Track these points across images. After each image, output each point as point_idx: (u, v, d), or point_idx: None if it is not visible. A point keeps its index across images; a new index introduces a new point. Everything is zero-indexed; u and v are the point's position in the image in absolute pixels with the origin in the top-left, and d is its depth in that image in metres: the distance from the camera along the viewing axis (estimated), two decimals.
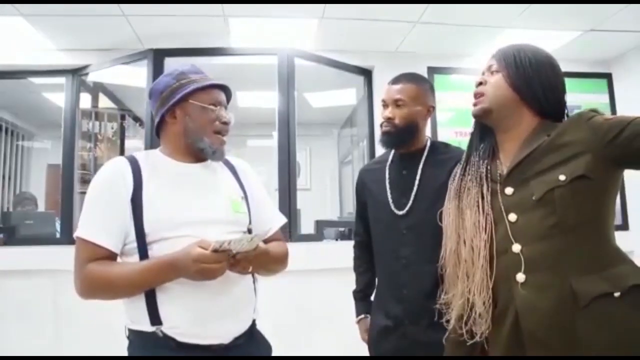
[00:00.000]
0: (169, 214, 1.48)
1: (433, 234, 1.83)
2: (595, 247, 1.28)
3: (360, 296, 2.16)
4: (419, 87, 1.99)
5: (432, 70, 4.46)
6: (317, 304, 3.44)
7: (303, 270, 3.17)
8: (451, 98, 4.52)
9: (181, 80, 1.59)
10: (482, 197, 1.42)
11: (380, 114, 2.04)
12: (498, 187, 1.40)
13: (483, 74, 1.51)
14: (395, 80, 2.00)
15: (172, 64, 3.90)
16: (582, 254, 1.27)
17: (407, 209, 1.92)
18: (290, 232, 3.73)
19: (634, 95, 4.42)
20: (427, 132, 2.11)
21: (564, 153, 1.30)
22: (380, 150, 2.09)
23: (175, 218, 1.47)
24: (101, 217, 1.48)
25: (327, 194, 6.86)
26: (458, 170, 1.57)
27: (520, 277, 1.30)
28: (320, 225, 4.00)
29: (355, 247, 2.24)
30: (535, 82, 1.40)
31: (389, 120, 1.95)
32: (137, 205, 1.47)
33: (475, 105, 1.51)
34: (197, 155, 1.61)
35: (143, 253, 1.46)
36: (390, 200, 1.96)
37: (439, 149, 2.01)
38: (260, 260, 1.51)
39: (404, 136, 1.95)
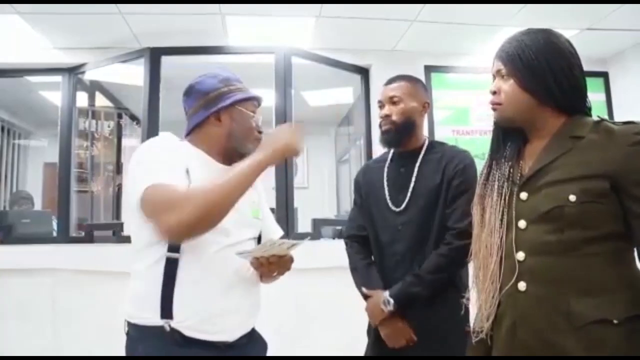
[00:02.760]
0: None
1: (428, 231, 1.90)
2: (602, 269, 1.22)
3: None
4: (412, 84, 2.05)
5: (429, 68, 4.47)
6: (314, 303, 3.44)
7: (300, 269, 3.16)
8: (448, 96, 4.54)
9: (229, 86, 1.65)
10: (501, 199, 1.38)
11: (377, 113, 2.08)
12: (516, 189, 1.36)
13: (493, 77, 1.44)
14: (389, 81, 2.07)
15: (169, 63, 3.93)
16: (586, 275, 1.22)
17: (403, 205, 1.95)
18: (287, 230, 3.74)
19: (630, 94, 4.43)
20: (425, 131, 2.13)
21: (584, 168, 1.24)
22: (377, 148, 2.10)
23: None
24: (170, 168, 1.43)
25: (324, 192, 6.86)
26: (482, 174, 1.51)
27: (522, 285, 1.29)
28: (318, 223, 4.01)
29: (355, 243, 2.14)
30: (547, 78, 1.33)
31: (386, 117, 2.00)
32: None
33: (494, 111, 1.44)
34: (233, 157, 1.65)
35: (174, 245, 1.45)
36: (388, 197, 2.00)
37: (435, 147, 2.05)
38: (286, 266, 1.59)
39: (403, 133, 1.99)
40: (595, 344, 1.18)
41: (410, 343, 1.86)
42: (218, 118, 1.62)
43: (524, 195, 1.33)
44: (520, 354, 1.28)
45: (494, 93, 1.41)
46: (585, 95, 1.39)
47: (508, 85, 1.38)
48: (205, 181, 1.42)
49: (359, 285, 2.04)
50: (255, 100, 1.70)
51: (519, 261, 1.30)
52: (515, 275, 1.29)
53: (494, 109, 1.42)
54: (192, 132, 1.66)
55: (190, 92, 1.67)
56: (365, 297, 1.98)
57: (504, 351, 1.33)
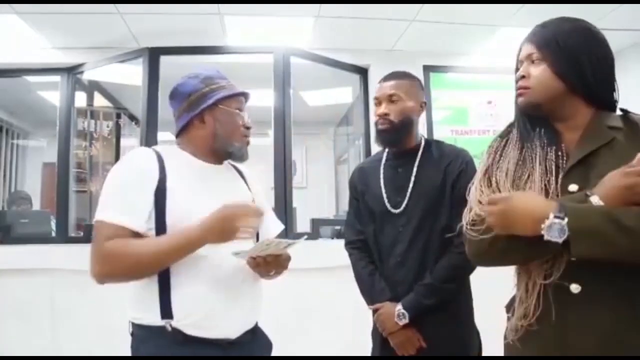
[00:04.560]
0: (190, 207, 1.49)
1: (430, 232, 1.89)
2: None
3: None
4: (411, 82, 2.02)
5: (427, 68, 4.47)
6: (313, 303, 3.44)
7: (299, 268, 3.16)
8: (447, 96, 4.54)
9: (211, 85, 1.63)
10: (546, 188, 1.24)
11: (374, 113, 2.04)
12: (560, 179, 1.23)
13: (521, 62, 1.36)
14: (387, 78, 2.02)
15: (167, 63, 3.93)
16: None
17: (403, 207, 1.93)
18: (286, 230, 3.73)
19: (629, 93, 4.42)
20: (423, 130, 2.11)
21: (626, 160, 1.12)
22: (375, 148, 2.09)
23: (196, 212, 1.48)
24: (126, 199, 1.46)
25: (323, 192, 6.86)
26: (510, 156, 1.35)
27: (575, 287, 1.16)
28: (316, 223, 4.00)
29: (355, 249, 2.09)
30: (584, 65, 1.27)
31: (384, 116, 1.95)
32: (161, 196, 1.47)
33: (520, 96, 1.35)
34: (221, 157, 1.67)
35: None
36: (386, 199, 1.97)
37: (434, 147, 2.02)
38: (283, 265, 1.59)
39: (400, 133, 1.96)
40: None
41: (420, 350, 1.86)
42: (201, 120, 1.62)
43: (573, 187, 1.20)
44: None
45: (522, 77, 1.34)
46: (615, 92, 1.35)
47: (539, 70, 1.31)
48: (185, 187, 1.52)
49: (363, 294, 2.03)
50: (241, 96, 1.68)
51: (571, 261, 1.14)
52: (567, 276, 1.17)
53: (520, 94, 1.34)
54: (180, 134, 1.67)
55: (174, 95, 1.67)
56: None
57: (547, 353, 1.22)
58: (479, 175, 1.40)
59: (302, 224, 4.28)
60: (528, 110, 1.35)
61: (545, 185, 1.24)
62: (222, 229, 1.40)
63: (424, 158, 1.98)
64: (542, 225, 1.10)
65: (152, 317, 1.45)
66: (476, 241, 1.26)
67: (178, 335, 1.44)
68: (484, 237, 1.24)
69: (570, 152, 1.27)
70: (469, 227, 1.30)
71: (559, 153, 1.27)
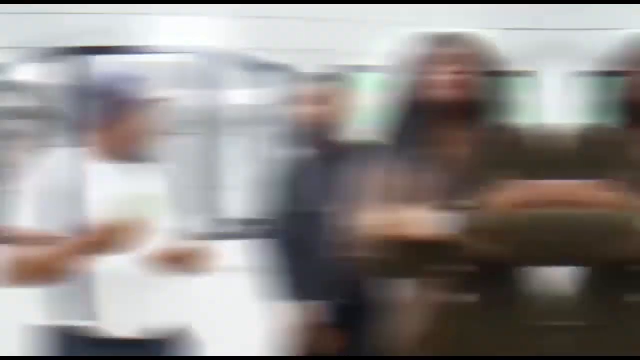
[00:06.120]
0: (101, 209, 1.44)
1: None
2: None
3: None
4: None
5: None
6: None
7: None
8: None
9: (128, 87, 1.61)
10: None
11: None
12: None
13: None
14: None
15: (92, 62, 3.88)
16: None
17: None
18: None
19: None
20: None
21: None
22: None
23: (105, 213, 1.44)
24: (39, 206, 1.49)
25: None
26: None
27: (470, 297, 1.18)
28: None
29: None
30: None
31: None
32: (74, 201, 1.49)
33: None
34: (131, 158, 1.64)
35: None
36: None
37: None
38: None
39: None
40: None
41: None
42: (115, 121, 1.58)
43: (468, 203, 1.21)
44: None
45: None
46: None
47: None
48: (97, 190, 1.49)
49: None
50: (157, 101, 1.63)
51: (467, 273, 1.18)
52: (461, 287, 1.20)
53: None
54: (91, 134, 1.64)
55: (90, 94, 1.68)
56: None
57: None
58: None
59: None
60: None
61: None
62: (100, 242, 1.38)
63: None
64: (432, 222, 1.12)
65: (73, 319, 1.48)
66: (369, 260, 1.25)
67: (90, 336, 1.47)
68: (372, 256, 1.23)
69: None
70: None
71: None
